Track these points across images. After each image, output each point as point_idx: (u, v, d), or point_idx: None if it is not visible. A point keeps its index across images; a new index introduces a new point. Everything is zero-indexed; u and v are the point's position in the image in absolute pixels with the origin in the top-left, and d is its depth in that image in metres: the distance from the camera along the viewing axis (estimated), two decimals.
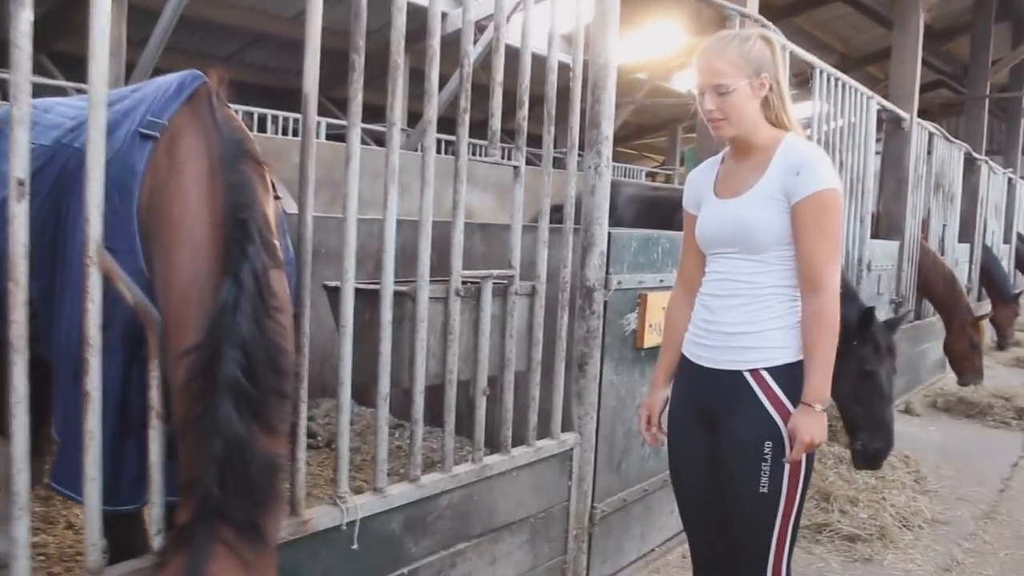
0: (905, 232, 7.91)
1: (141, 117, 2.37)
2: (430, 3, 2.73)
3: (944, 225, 9.44)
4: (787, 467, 2.37)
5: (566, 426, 3.52)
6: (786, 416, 2.37)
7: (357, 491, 4.15)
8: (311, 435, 5.25)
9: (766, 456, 2.38)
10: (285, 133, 11.00)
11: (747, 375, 2.41)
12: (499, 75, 2.98)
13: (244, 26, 11.44)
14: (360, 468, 4.75)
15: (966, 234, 10.59)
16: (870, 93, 6.70)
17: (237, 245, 2.07)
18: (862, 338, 4.46)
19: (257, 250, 2.08)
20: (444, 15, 9.38)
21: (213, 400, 1.89)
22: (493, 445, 3.31)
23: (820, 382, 2.33)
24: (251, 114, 10.37)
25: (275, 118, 11.15)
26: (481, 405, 3.09)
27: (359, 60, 2.50)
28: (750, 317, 2.42)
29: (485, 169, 8.44)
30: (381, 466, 2.77)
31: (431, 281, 2.86)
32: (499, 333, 3.16)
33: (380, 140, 11.15)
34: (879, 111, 7.14)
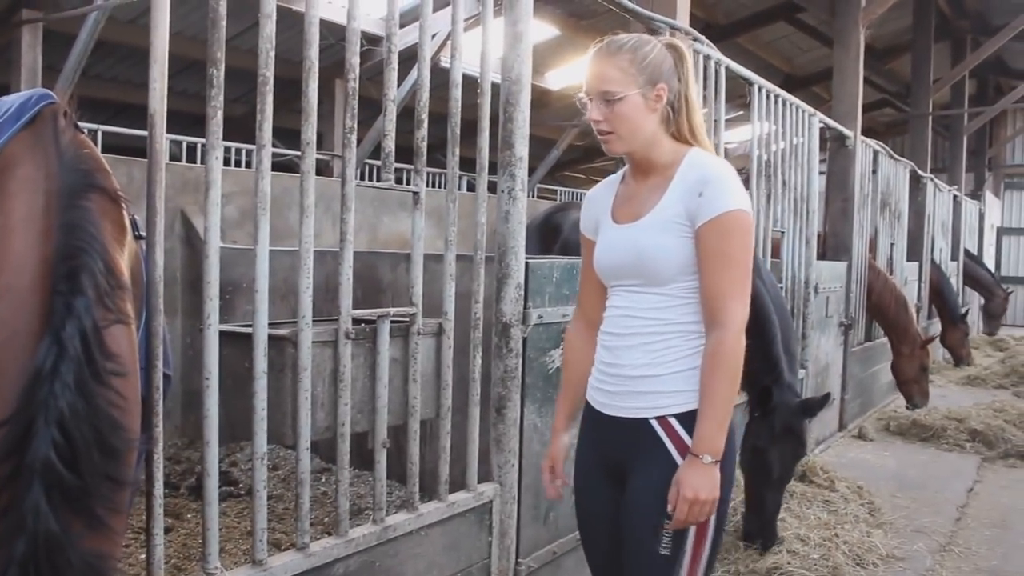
0: (853, 252, 7.74)
1: None
2: (306, 11, 2.43)
3: (892, 244, 9.33)
4: (692, 528, 2.07)
5: (485, 476, 3.20)
6: None
7: (276, 544, 3.84)
8: (232, 483, 4.88)
9: (671, 513, 2.06)
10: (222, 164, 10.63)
11: (654, 423, 2.13)
12: (391, 91, 2.68)
13: (171, 53, 11.04)
14: (281, 518, 4.40)
15: (914, 252, 10.50)
16: (811, 110, 6.52)
17: (62, 299, 1.72)
18: (763, 412, 4.20)
19: (88, 304, 1.73)
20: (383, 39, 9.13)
21: (19, 488, 1.55)
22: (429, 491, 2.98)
23: (712, 430, 2.03)
24: (179, 142, 9.99)
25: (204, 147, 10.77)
26: (381, 459, 2.76)
27: (217, 74, 2.19)
28: (654, 358, 2.13)
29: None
30: (259, 535, 2.42)
31: (318, 322, 2.54)
32: (401, 378, 2.84)
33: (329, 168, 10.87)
34: (822, 129, 6.98)
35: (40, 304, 1.73)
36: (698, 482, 2.00)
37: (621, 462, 2.19)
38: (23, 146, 1.96)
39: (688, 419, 2.09)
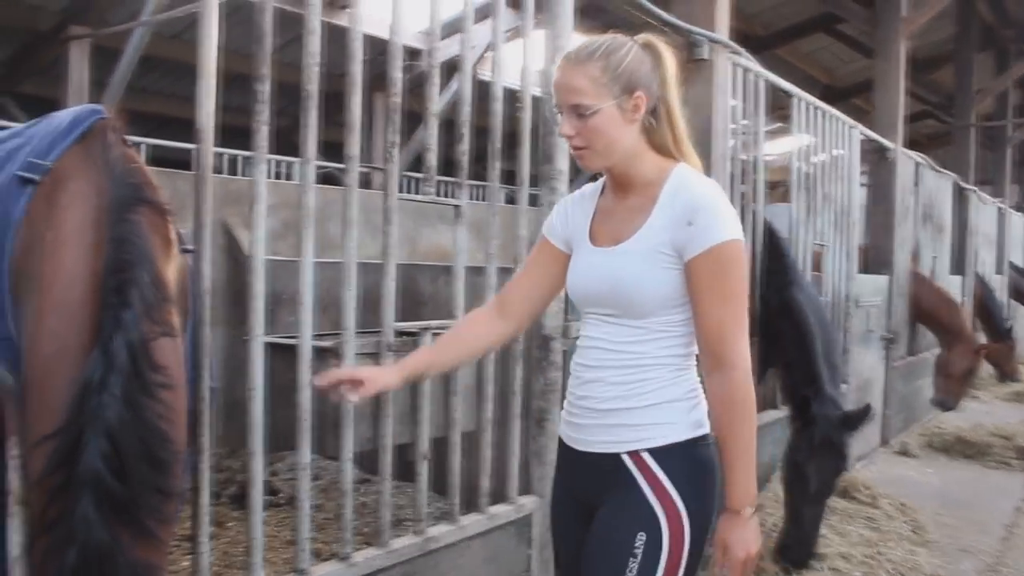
0: (895, 265, 7.64)
1: (23, 158, 2.06)
2: (350, 27, 2.46)
3: (935, 257, 9.19)
4: (661, 567, 1.87)
5: (525, 489, 3.20)
6: (669, 505, 1.90)
7: (316, 554, 3.86)
8: (273, 492, 4.92)
9: (636, 551, 1.88)
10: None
11: (625, 458, 1.94)
12: (433, 104, 2.70)
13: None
14: (322, 527, 4.42)
15: (958, 266, 10.34)
16: (852, 123, 6.47)
17: (110, 312, 1.74)
18: (803, 422, 4.15)
19: (136, 317, 1.75)
20: (416, 51, 9.19)
21: (69, 499, 1.57)
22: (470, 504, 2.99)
23: (744, 480, 1.87)
24: (220, 155, 10.14)
25: (248, 159, 10.93)
26: (423, 471, 2.78)
27: (263, 89, 2.23)
28: (626, 391, 1.95)
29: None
30: (303, 544, 2.45)
31: (361, 334, 2.56)
32: (443, 390, 2.85)
33: (364, 180, 10.94)
34: (863, 141, 6.91)
35: (90, 317, 1.76)
36: (747, 537, 1.87)
37: (593, 499, 2.01)
38: (74, 161, 2.01)
39: (663, 454, 1.92)
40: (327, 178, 10.29)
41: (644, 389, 1.94)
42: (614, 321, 1.96)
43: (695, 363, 2.01)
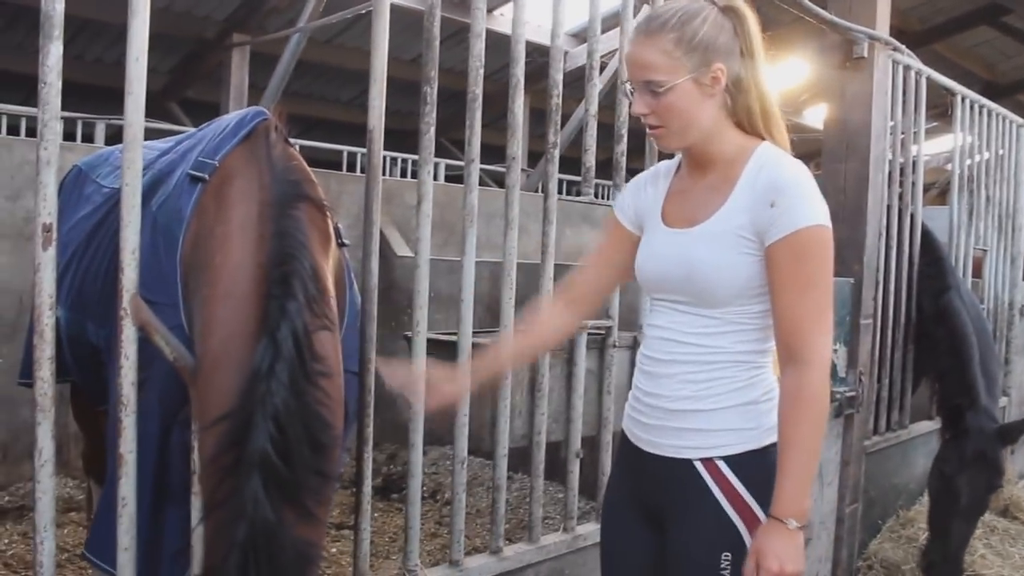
0: None
1: (195, 158, 2.21)
2: (513, 30, 2.50)
3: None
4: None
5: None
6: (750, 518, 1.78)
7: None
8: None
9: (723, 572, 1.77)
10: (404, 175, 11.04)
11: (698, 465, 1.80)
12: (593, 107, 2.72)
13: (364, 69, 11.58)
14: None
15: None
16: (1021, 121, 6.11)
17: (276, 302, 1.83)
18: (954, 433, 3.94)
19: (299, 308, 1.83)
20: (566, 53, 9.24)
21: (240, 478, 1.66)
22: None
23: (796, 488, 1.71)
24: (356, 154, 10.47)
25: (394, 159, 11.22)
26: (574, 468, 2.80)
27: (431, 92, 2.30)
28: (699, 391, 1.80)
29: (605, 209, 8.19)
30: (457, 536, 2.52)
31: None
32: (596, 389, 2.87)
33: (501, 181, 11.06)
34: None
35: (255, 307, 1.85)
36: (783, 551, 1.68)
37: (660, 506, 1.88)
38: (240, 160, 2.14)
39: (740, 462, 1.79)
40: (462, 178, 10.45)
41: (718, 389, 1.80)
42: (686, 310, 1.82)
43: (772, 360, 1.86)
